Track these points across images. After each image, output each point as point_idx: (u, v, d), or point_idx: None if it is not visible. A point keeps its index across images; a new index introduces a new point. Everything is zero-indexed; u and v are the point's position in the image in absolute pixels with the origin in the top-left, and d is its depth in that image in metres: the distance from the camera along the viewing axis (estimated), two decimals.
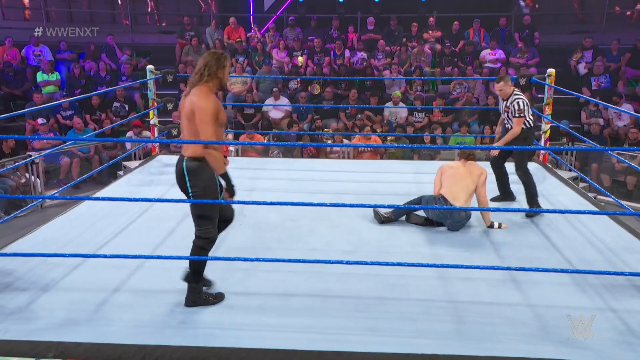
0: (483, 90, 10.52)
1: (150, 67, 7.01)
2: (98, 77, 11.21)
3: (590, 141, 9.56)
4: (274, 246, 4.36)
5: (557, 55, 11.66)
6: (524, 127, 5.17)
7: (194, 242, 3.35)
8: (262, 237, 4.54)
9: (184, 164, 3.28)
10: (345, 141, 8.42)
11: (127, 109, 10.49)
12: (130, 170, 6.57)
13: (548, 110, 6.84)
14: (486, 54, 11.14)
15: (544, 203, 5.41)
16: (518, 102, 5.12)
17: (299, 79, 10.62)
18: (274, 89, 10.15)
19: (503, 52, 11.09)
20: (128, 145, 8.91)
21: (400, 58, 11.11)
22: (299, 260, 3.49)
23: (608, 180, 8.63)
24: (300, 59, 11.28)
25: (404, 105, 9.88)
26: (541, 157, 6.99)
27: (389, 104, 9.87)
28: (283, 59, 11.29)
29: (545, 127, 6.88)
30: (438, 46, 11.44)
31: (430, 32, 11.72)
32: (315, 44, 11.31)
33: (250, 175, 6.40)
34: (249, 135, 8.71)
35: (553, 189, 5.89)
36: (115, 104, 10.44)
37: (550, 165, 6.89)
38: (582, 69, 10.76)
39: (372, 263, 3.54)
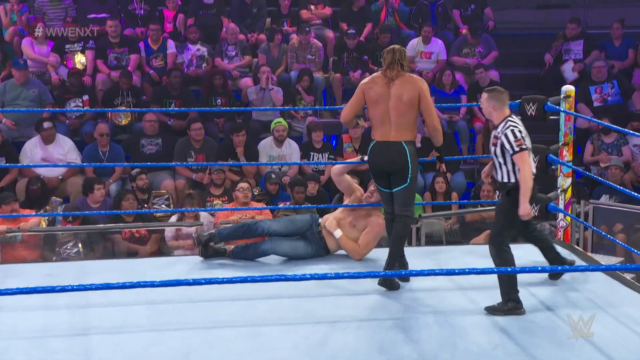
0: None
1: None
2: None
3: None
4: None
5: (522, 47, 12.68)
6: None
7: (404, 224, 6.08)
8: None
9: (406, 147, 5.89)
10: (204, 217, 8.36)
11: None
12: None
13: (568, 155, 7.25)
14: (414, 48, 11.66)
15: (617, 327, 5.76)
16: (513, 130, 5.81)
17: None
18: (45, 124, 9.81)
19: (443, 43, 11.74)
20: None
21: (269, 55, 11.33)
22: None
23: None
24: (80, 57, 11.09)
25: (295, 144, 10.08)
26: (560, 234, 7.43)
27: (267, 141, 10.00)
28: (46, 58, 11.02)
29: (566, 182, 7.27)
30: (330, 33, 11.86)
31: (313, 7, 12.12)
32: (109, 30, 11.19)
33: (63, 303, 6.08)
34: (12, 207, 8.30)
35: (612, 296, 6.29)
36: None
37: (580, 248, 7.34)
38: (569, 71, 11.71)
39: None
